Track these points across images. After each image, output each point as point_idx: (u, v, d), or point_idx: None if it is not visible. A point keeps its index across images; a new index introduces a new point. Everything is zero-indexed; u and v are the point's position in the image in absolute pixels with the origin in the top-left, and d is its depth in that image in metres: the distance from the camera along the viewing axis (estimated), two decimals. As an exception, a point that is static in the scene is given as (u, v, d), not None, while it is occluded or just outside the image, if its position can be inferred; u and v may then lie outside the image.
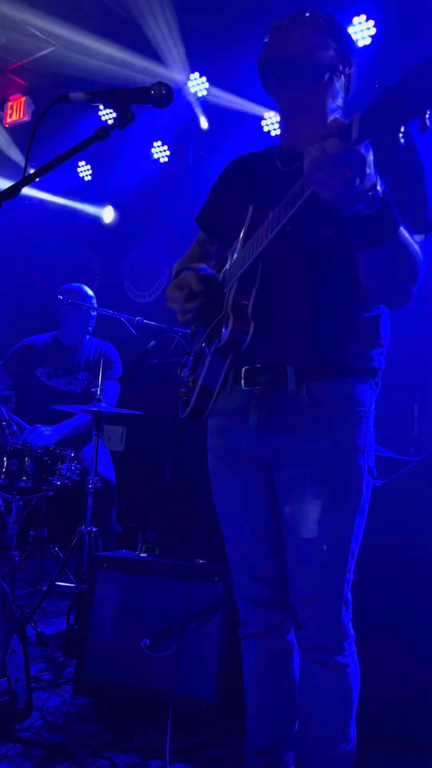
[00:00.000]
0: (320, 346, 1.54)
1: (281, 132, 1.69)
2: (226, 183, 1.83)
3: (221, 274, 1.67)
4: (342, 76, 1.61)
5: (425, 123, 1.00)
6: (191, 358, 1.78)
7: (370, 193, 1.18)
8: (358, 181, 1.14)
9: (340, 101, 1.63)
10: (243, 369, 1.60)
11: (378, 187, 1.18)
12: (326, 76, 1.57)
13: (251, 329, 1.49)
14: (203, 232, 1.92)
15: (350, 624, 1.60)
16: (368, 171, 1.14)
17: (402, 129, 1.02)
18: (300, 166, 1.29)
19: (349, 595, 1.59)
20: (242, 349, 1.53)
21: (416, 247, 1.39)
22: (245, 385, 1.60)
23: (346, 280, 1.52)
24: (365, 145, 1.11)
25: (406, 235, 1.34)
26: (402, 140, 1.03)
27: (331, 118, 1.60)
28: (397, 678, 2.08)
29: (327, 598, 1.56)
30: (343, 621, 1.57)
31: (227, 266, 1.63)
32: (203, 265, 1.87)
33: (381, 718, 1.96)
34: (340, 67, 1.59)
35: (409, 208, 1.42)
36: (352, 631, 1.60)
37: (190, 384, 1.69)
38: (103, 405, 3.29)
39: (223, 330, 1.50)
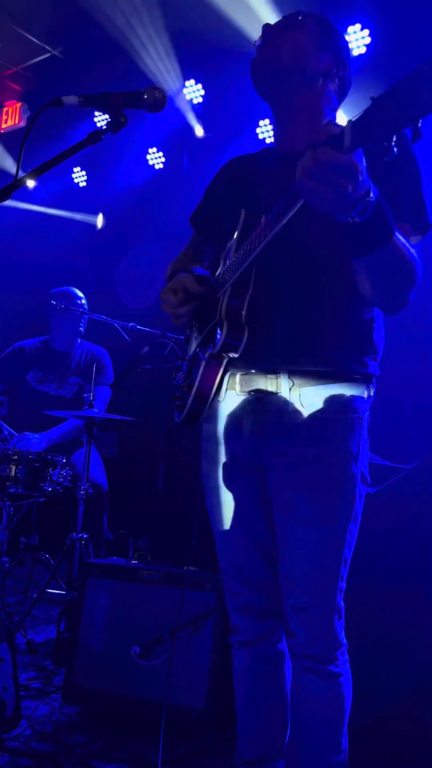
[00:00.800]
0: (313, 353, 1.53)
1: (275, 135, 1.69)
2: (221, 184, 1.82)
3: (215, 278, 1.66)
4: (336, 79, 1.61)
5: (418, 132, 0.99)
6: (186, 362, 1.77)
7: (363, 201, 1.17)
8: (350, 188, 1.12)
9: (335, 104, 1.63)
10: (238, 375, 1.60)
11: (371, 194, 1.17)
12: (320, 82, 1.58)
13: (245, 335, 1.48)
14: (197, 232, 1.91)
15: (343, 633, 1.58)
16: (361, 178, 1.13)
17: (394, 138, 1.01)
18: (293, 171, 1.29)
19: (342, 603, 1.57)
20: (236, 355, 1.52)
21: (412, 251, 1.38)
22: (240, 391, 1.60)
23: (339, 286, 1.52)
24: (358, 152, 1.10)
25: (402, 239, 1.34)
26: (395, 149, 1.02)
27: (325, 121, 1.60)
28: (391, 688, 2.06)
29: (319, 606, 1.54)
30: (335, 630, 1.56)
31: (220, 270, 1.62)
32: (198, 266, 1.86)
33: (374, 730, 1.95)
34: (334, 71, 1.59)
35: (405, 211, 1.42)
36: (344, 640, 1.59)
37: (185, 389, 1.69)
38: (95, 411, 3.28)
39: (218, 336, 1.49)
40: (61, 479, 3.21)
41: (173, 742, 2.15)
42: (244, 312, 1.49)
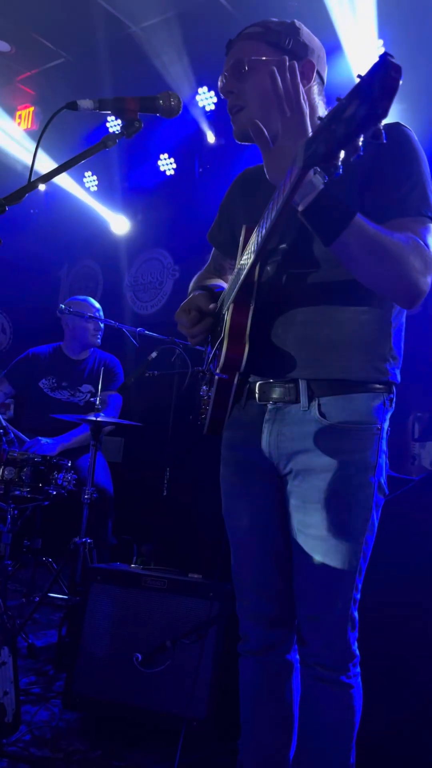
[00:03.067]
0: (329, 361, 1.52)
1: None
2: (233, 198, 1.84)
3: (221, 296, 1.66)
4: (314, 80, 1.59)
5: (379, 134, 0.99)
6: (207, 375, 1.78)
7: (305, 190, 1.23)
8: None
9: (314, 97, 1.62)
10: (257, 384, 1.60)
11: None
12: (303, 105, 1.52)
13: (245, 351, 1.49)
14: (216, 247, 1.94)
15: (356, 644, 1.57)
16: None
17: (341, 157, 1.04)
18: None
19: (356, 614, 1.56)
20: (241, 370, 1.52)
21: (395, 238, 1.35)
22: (259, 400, 1.60)
23: (351, 293, 1.51)
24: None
25: (372, 225, 1.33)
26: (340, 169, 1.06)
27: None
28: (401, 703, 2.04)
29: (333, 615, 1.53)
30: (348, 640, 1.55)
31: (226, 288, 1.63)
32: (218, 282, 1.87)
33: (383, 745, 1.92)
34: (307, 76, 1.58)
35: (407, 206, 1.43)
36: (357, 652, 1.57)
37: (206, 401, 1.70)
38: (101, 415, 3.27)
39: (221, 353, 1.51)
40: (66, 483, 3.20)
41: (173, 752, 2.13)
42: (248, 326, 1.50)
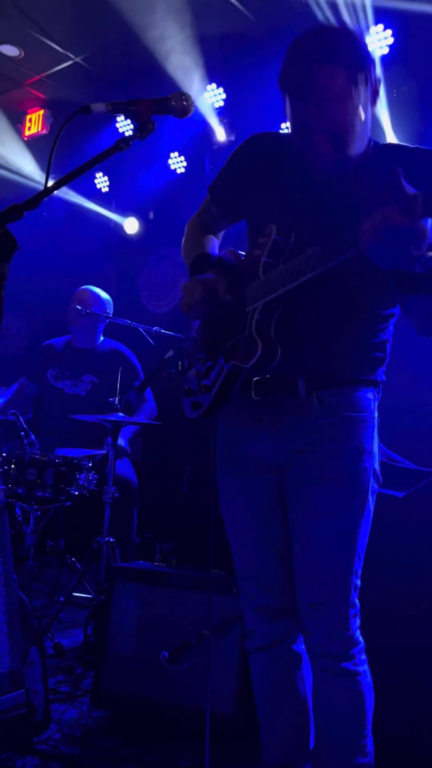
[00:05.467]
0: (331, 367, 1.60)
1: (298, 132, 1.57)
2: (246, 161, 1.78)
3: (243, 290, 1.64)
4: (369, 88, 1.54)
5: None
6: (198, 360, 1.76)
7: (425, 256, 1.23)
8: (416, 251, 1.21)
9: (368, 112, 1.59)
10: (253, 379, 1.62)
11: None
12: (359, 111, 1.52)
13: (278, 354, 1.53)
14: (216, 205, 1.88)
15: (359, 631, 1.60)
16: (429, 241, 1.20)
17: None
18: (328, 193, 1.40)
19: (357, 601, 1.59)
20: (269, 371, 1.55)
21: None
22: (255, 395, 1.62)
23: (363, 310, 1.59)
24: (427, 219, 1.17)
25: None
26: None
27: (358, 133, 1.54)
28: (420, 695, 2.03)
29: (334, 601, 1.57)
30: (350, 626, 1.57)
31: (248, 286, 1.61)
32: (214, 245, 1.88)
33: (403, 738, 1.92)
34: (367, 86, 1.52)
35: None
36: (361, 639, 1.60)
37: (203, 389, 1.69)
38: (120, 415, 3.29)
39: (255, 353, 1.52)
40: (88, 483, 3.22)
41: (202, 747, 2.14)
42: (272, 329, 1.54)
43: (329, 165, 1.55)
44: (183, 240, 1.94)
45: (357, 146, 1.55)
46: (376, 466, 1.62)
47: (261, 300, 1.54)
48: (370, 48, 1.58)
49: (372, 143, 1.63)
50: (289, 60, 1.51)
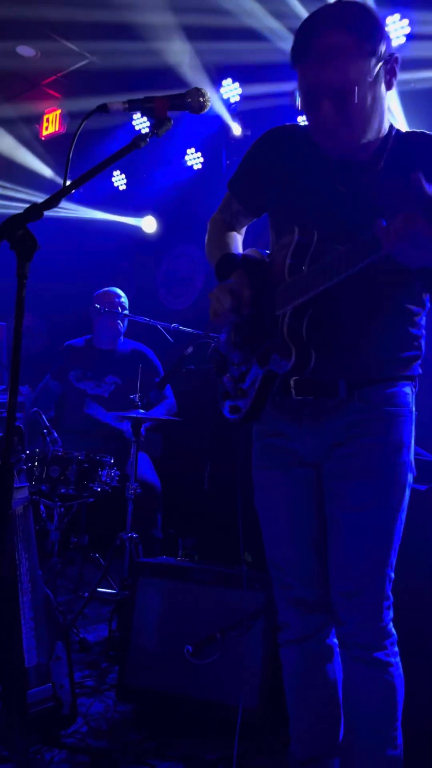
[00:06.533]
0: (369, 365, 1.60)
1: (317, 133, 1.57)
2: (266, 155, 1.76)
3: (272, 293, 1.62)
4: (382, 67, 1.49)
5: None
6: (232, 363, 1.76)
7: None
8: None
9: (384, 96, 1.54)
10: (292, 379, 1.62)
11: None
12: (369, 86, 1.47)
13: (313, 357, 1.51)
14: (237, 201, 1.87)
15: (391, 624, 1.60)
16: None
17: None
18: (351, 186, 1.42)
19: (391, 593, 1.59)
20: (304, 375, 1.54)
21: None
22: (296, 395, 1.63)
23: (393, 306, 1.58)
24: None
25: None
26: None
27: (376, 123, 1.53)
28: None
29: (368, 592, 1.57)
30: (383, 618, 1.58)
31: (276, 290, 1.59)
32: (238, 242, 1.87)
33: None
34: (381, 66, 1.48)
35: None
36: (394, 631, 1.60)
37: (239, 393, 1.70)
38: (141, 412, 3.31)
39: (290, 359, 1.51)
40: (110, 480, 3.25)
41: (227, 741, 2.16)
42: (304, 333, 1.52)
43: (341, 141, 1.51)
44: (206, 238, 1.93)
45: (366, 121, 1.49)
46: (412, 459, 1.63)
47: (290, 304, 1.52)
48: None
49: (394, 131, 1.59)
50: (299, 30, 1.50)
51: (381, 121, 1.55)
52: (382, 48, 1.47)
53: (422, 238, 1.21)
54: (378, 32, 1.47)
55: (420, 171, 1.21)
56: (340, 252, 1.39)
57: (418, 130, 1.62)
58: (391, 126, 1.60)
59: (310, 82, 1.48)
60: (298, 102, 1.54)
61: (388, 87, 1.53)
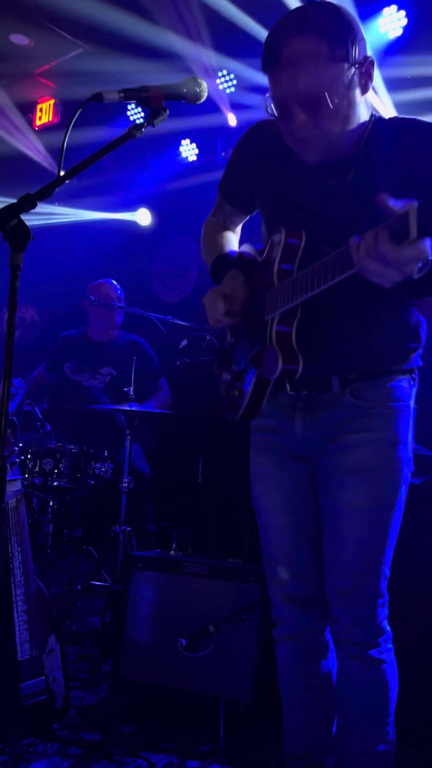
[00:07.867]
0: (362, 361, 1.58)
1: (291, 142, 1.53)
2: (248, 156, 1.74)
3: (261, 298, 1.60)
4: (356, 71, 1.43)
5: None
6: (230, 362, 1.77)
7: (421, 266, 1.19)
8: (414, 270, 1.18)
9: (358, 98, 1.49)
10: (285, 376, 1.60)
11: (429, 257, 1.17)
12: (342, 92, 1.42)
13: (301, 362, 1.49)
14: (228, 203, 1.86)
15: (386, 621, 1.60)
16: (428, 259, 1.16)
17: None
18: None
19: (386, 591, 1.59)
20: (295, 379, 1.53)
21: None
22: (291, 390, 1.62)
23: (385, 300, 1.53)
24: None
25: None
26: None
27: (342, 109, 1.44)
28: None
29: (362, 589, 1.57)
30: (377, 615, 1.58)
31: (266, 294, 1.57)
32: (233, 242, 1.86)
33: (426, 727, 1.92)
34: (356, 70, 1.42)
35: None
36: (388, 629, 1.61)
37: (237, 393, 1.69)
38: (136, 404, 3.30)
39: (277, 365, 1.49)
40: (103, 473, 3.24)
41: (219, 734, 2.16)
42: (293, 337, 1.50)
43: (315, 150, 1.48)
44: (201, 240, 1.93)
45: (341, 127, 1.45)
46: (410, 455, 1.61)
47: (278, 310, 1.50)
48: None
49: (371, 127, 1.52)
50: (269, 36, 1.46)
51: (359, 126, 1.49)
52: (355, 51, 1.41)
53: (390, 261, 1.18)
54: (350, 35, 1.41)
55: (386, 189, 1.18)
56: (317, 266, 1.37)
57: (400, 117, 1.57)
58: (371, 121, 1.52)
59: (281, 90, 1.44)
60: (269, 108, 1.48)
61: (364, 91, 1.47)
